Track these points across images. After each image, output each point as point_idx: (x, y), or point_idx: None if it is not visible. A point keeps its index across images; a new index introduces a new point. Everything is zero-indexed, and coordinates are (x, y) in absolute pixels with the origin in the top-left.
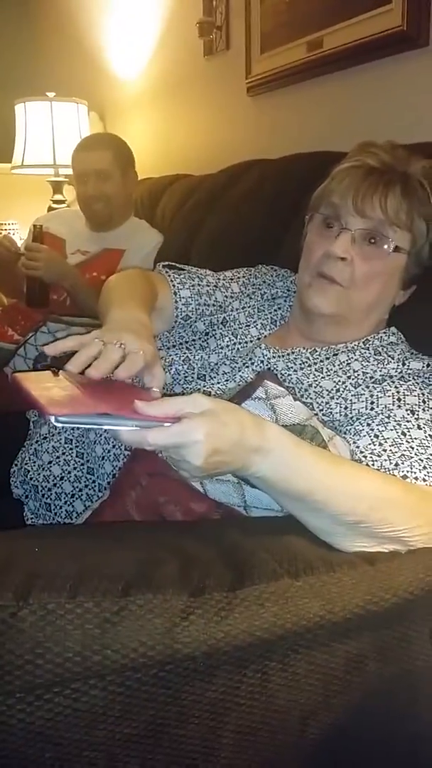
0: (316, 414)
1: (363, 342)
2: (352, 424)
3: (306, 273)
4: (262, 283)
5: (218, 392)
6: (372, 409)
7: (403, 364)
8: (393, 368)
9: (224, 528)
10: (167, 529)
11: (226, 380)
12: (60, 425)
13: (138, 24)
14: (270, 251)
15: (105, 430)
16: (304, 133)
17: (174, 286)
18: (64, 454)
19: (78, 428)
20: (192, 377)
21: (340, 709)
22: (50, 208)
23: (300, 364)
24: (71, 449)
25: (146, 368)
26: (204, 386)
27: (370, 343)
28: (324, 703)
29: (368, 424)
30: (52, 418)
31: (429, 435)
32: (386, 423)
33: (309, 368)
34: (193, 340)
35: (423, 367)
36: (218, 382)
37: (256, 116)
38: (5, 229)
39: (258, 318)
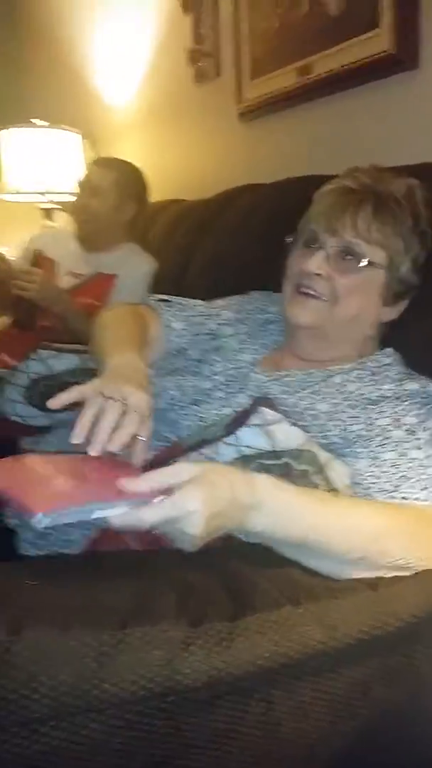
0: (314, 437)
1: (359, 363)
2: (350, 447)
3: (287, 289)
4: (254, 309)
5: (214, 419)
6: (370, 430)
7: (399, 385)
8: (388, 389)
9: (223, 556)
10: (166, 558)
11: (222, 406)
12: (44, 525)
13: (128, 51)
14: (264, 275)
15: (94, 519)
16: (297, 157)
17: (167, 320)
18: None
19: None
20: (186, 403)
21: (347, 734)
22: None
23: (295, 387)
24: None
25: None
26: (199, 412)
27: (366, 364)
28: (331, 730)
29: (366, 447)
30: (36, 518)
31: (428, 455)
32: (384, 444)
33: (304, 391)
34: (185, 366)
35: (419, 388)
36: (213, 408)
37: (248, 141)
38: None
39: (251, 343)
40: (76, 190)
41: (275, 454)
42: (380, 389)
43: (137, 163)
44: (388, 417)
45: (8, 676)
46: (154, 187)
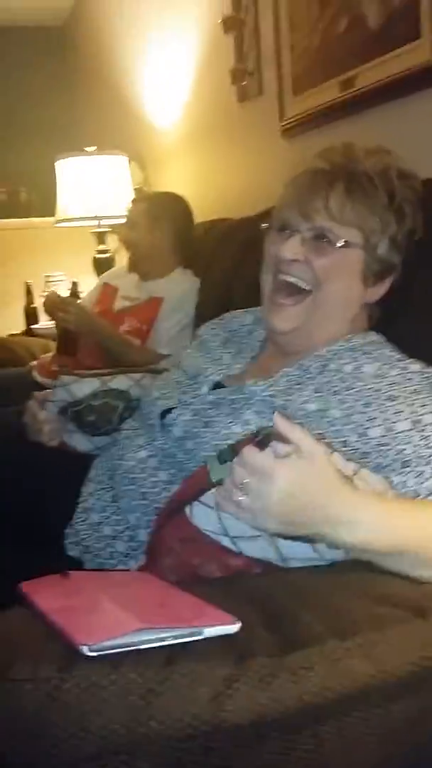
0: (330, 443)
1: (345, 341)
2: (374, 458)
3: (265, 289)
4: (232, 319)
5: (223, 438)
6: (392, 438)
7: (404, 370)
8: (396, 375)
9: (263, 587)
10: (205, 591)
11: (229, 422)
12: (95, 654)
13: (172, 73)
14: None
15: (145, 649)
16: None
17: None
18: (113, 513)
19: (114, 652)
20: (198, 426)
21: (397, 764)
22: (95, 260)
23: (294, 385)
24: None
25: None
26: (209, 434)
27: (354, 342)
28: (382, 762)
29: (394, 459)
30: (85, 649)
31: None
32: (410, 450)
33: (304, 391)
34: (186, 381)
35: (421, 370)
36: (223, 427)
37: (292, 158)
38: (52, 281)
39: (239, 353)
40: (120, 227)
41: None
42: (381, 371)
43: (183, 184)
44: (407, 421)
45: (59, 714)
46: (201, 206)
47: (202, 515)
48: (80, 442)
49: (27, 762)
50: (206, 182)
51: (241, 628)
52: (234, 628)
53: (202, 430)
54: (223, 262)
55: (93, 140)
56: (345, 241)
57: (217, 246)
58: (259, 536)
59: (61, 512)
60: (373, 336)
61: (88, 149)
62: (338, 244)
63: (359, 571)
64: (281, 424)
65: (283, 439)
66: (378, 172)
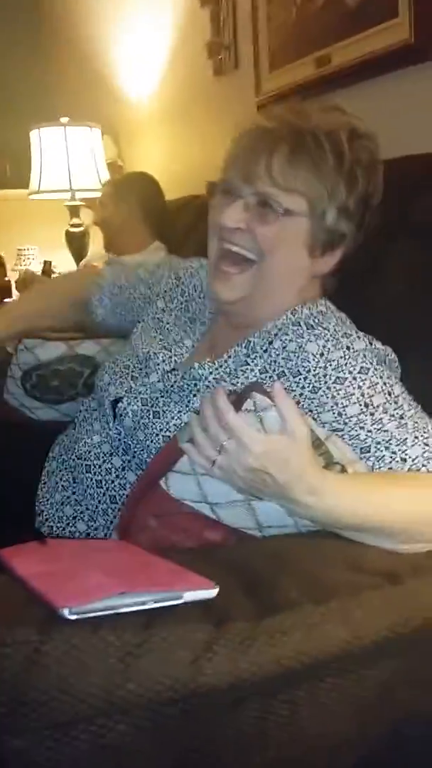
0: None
1: (291, 313)
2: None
3: (210, 256)
4: (190, 279)
5: (173, 429)
6: (344, 423)
7: (348, 349)
8: (340, 357)
9: (241, 553)
10: (184, 558)
11: (179, 411)
12: (75, 618)
13: (147, 46)
14: None
15: (124, 612)
16: None
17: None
18: (74, 493)
19: (94, 615)
20: (148, 417)
21: (372, 738)
22: (68, 233)
23: (241, 367)
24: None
25: None
26: (159, 425)
27: (299, 314)
28: (356, 733)
29: (352, 445)
30: (65, 612)
31: (411, 422)
32: (365, 436)
33: (250, 369)
34: (137, 366)
35: (366, 346)
36: (173, 418)
37: None
38: (24, 255)
39: (191, 323)
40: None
41: None
42: (325, 348)
43: (157, 158)
44: (357, 404)
45: (39, 677)
46: (175, 182)
47: (179, 484)
48: (42, 410)
49: (6, 725)
50: (181, 157)
51: (219, 593)
52: (213, 592)
53: (152, 421)
54: (197, 238)
55: (66, 111)
56: (286, 209)
57: (191, 222)
58: (238, 503)
59: (30, 489)
60: (321, 305)
61: (62, 119)
62: (280, 212)
63: (333, 539)
64: (279, 396)
65: (265, 394)
66: (327, 131)
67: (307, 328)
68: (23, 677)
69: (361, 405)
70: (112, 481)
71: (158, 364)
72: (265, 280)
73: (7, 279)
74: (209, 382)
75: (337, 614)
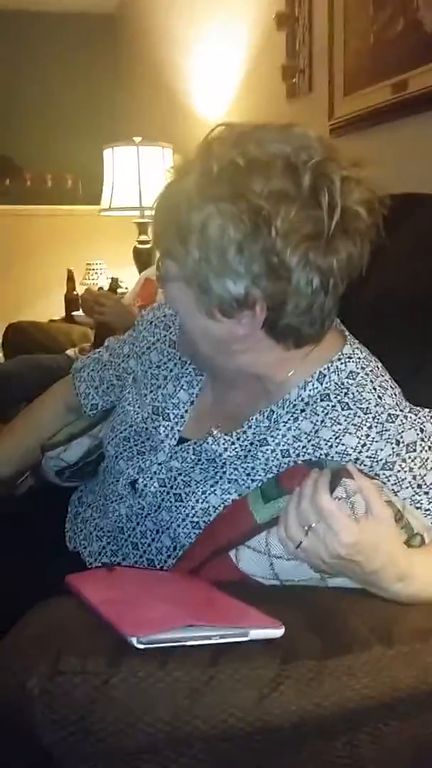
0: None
1: (318, 380)
2: None
3: None
4: (170, 324)
5: (201, 514)
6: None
7: (398, 444)
8: (386, 445)
9: (313, 590)
10: (254, 593)
11: (203, 493)
12: (143, 647)
13: (221, 67)
14: None
15: (190, 646)
16: (388, 174)
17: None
18: (108, 544)
19: (162, 646)
20: (170, 500)
21: None
22: (135, 249)
23: (261, 446)
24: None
25: None
26: (185, 509)
27: (327, 381)
28: None
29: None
30: (134, 640)
31: None
32: (422, 515)
33: (271, 452)
34: (137, 440)
35: (408, 415)
36: (198, 501)
37: None
38: (93, 269)
39: (182, 377)
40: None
41: None
42: (367, 439)
43: None
44: (409, 486)
45: (107, 709)
46: None
47: (250, 561)
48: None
49: (73, 751)
50: None
51: (289, 627)
52: (279, 632)
53: (174, 504)
54: None
55: (139, 131)
56: (164, 277)
57: None
58: (312, 580)
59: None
60: (350, 362)
61: (135, 139)
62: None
63: None
64: (358, 478)
65: (351, 476)
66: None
67: (342, 409)
68: (92, 708)
69: (414, 488)
70: (148, 545)
71: (162, 441)
72: (205, 362)
73: (75, 293)
74: (227, 458)
75: (406, 658)
